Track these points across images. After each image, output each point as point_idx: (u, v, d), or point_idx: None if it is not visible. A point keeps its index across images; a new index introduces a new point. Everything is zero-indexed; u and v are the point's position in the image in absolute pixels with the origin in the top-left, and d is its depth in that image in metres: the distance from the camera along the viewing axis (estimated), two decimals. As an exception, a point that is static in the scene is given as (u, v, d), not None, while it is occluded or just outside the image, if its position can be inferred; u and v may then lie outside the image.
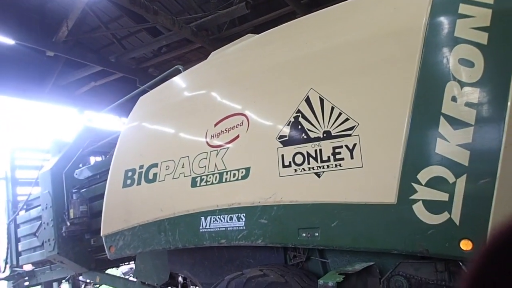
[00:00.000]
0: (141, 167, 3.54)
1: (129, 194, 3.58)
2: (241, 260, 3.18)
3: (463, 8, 2.33)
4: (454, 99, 2.23)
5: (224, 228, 2.87)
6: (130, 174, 3.62)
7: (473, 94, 2.20)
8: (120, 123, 10.22)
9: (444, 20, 2.38)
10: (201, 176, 3.10)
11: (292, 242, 2.62)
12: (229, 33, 9.04)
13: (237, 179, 2.85)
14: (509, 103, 2.10)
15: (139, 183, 3.53)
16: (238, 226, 2.80)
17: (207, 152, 3.11)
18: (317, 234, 2.50)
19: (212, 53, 3.81)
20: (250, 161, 2.82)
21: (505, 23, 2.21)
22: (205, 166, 3.09)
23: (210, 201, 3.00)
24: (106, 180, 3.91)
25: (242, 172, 2.84)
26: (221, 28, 9.25)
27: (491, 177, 2.09)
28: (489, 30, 2.22)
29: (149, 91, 4.09)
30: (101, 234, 3.80)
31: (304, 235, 2.54)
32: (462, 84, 2.23)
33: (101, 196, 4.04)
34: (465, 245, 2.14)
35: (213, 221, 2.92)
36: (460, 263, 2.25)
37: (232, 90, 3.21)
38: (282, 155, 2.67)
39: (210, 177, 3.04)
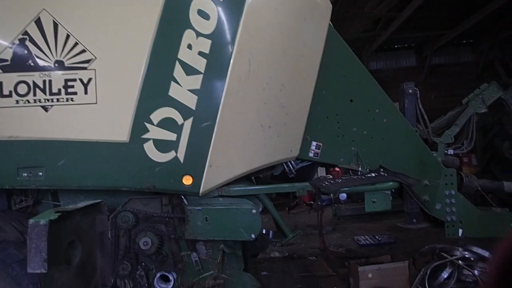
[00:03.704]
0: None
1: None
2: None
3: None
4: (189, 46, 2.38)
5: None
6: None
7: (206, 45, 2.40)
8: None
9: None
10: None
11: (9, 184, 2.31)
12: None
13: None
14: (232, 58, 2.40)
15: None
16: None
17: None
18: (41, 173, 2.29)
19: None
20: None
21: None
22: None
23: None
24: None
25: None
26: None
27: (212, 121, 2.37)
28: (223, -15, 2.43)
29: None
30: None
31: (25, 175, 2.28)
32: (198, 34, 2.39)
33: None
34: (187, 180, 2.40)
35: None
36: (182, 197, 2.51)
37: None
38: (1, 83, 2.25)
39: None
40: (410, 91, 3.73)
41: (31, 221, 1.90)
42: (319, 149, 2.95)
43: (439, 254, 3.86)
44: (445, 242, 3.84)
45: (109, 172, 2.33)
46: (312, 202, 7.47)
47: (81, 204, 2.27)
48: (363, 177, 2.82)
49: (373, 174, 2.87)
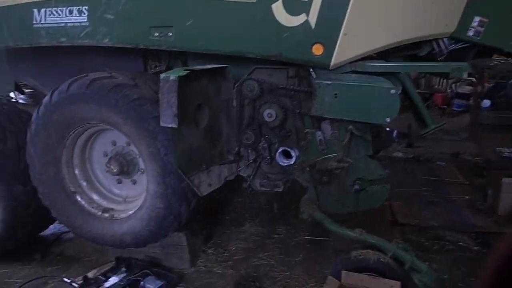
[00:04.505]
0: None
1: None
2: (94, 68, 2.84)
3: None
4: None
5: (63, 24, 2.42)
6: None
7: None
8: None
9: None
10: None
11: (143, 43, 2.35)
12: None
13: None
14: None
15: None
16: (80, 22, 2.38)
17: None
18: (170, 34, 2.26)
19: None
20: None
21: None
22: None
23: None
24: None
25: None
26: None
27: (352, -19, 1.96)
28: None
29: None
30: None
31: (157, 34, 2.28)
32: None
33: None
34: (317, 49, 2.13)
35: (49, 15, 2.42)
36: (310, 69, 2.26)
37: None
38: None
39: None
40: None
41: (162, 75, 1.92)
42: (482, 27, 2.30)
43: None
44: None
45: (235, 36, 2.19)
46: (445, 107, 6.60)
47: (208, 66, 2.22)
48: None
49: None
